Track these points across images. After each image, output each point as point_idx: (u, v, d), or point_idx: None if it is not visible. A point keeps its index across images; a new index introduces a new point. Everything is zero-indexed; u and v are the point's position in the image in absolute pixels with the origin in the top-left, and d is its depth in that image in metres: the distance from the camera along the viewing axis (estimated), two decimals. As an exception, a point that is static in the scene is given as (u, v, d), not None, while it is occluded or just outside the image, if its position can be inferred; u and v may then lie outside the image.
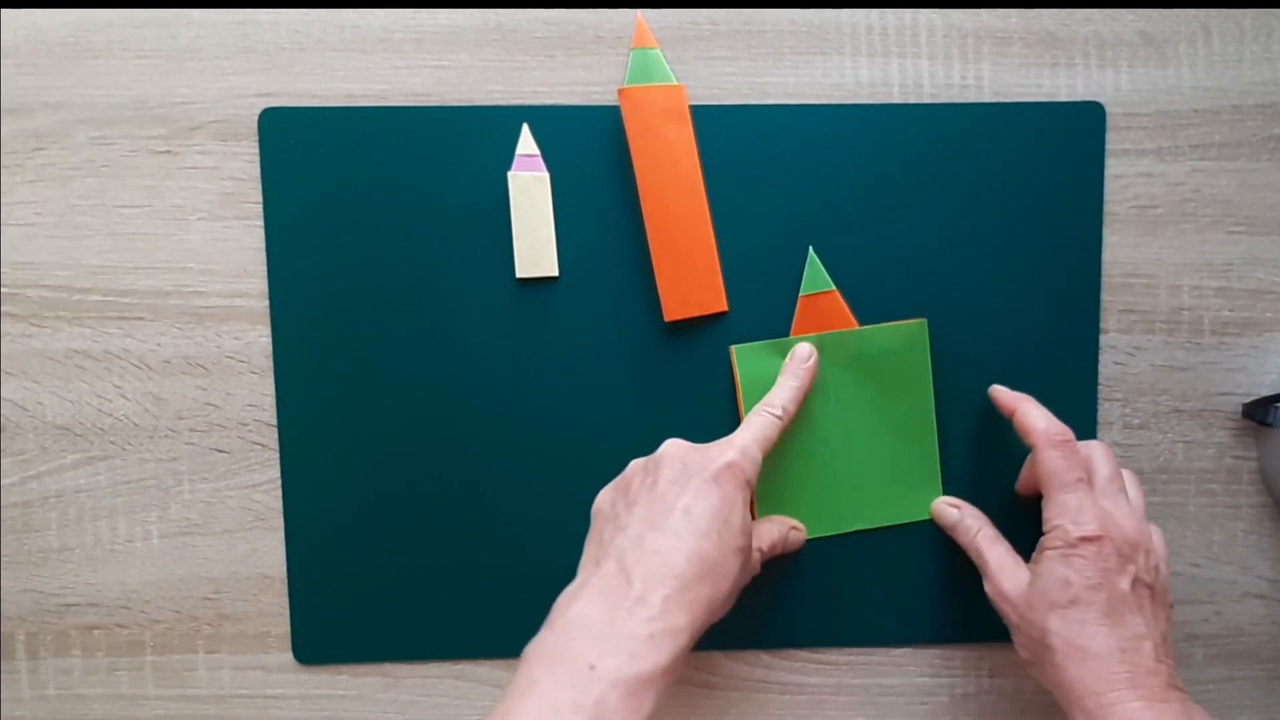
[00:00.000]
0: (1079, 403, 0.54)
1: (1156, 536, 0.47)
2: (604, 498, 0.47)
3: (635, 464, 0.48)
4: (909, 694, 0.55)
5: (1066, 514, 0.45)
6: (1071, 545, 0.45)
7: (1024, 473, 0.52)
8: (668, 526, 0.43)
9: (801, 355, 0.51)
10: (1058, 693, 0.45)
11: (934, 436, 0.53)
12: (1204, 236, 0.54)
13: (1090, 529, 0.45)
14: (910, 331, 0.52)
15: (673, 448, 0.47)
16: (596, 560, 0.44)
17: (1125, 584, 0.44)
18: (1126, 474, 0.49)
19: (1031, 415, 0.48)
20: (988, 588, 0.49)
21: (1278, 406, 0.51)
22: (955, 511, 0.52)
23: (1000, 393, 0.51)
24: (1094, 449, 0.48)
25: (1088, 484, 0.46)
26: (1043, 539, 0.46)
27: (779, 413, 0.49)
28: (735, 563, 0.44)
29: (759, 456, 0.47)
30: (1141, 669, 0.43)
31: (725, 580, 0.43)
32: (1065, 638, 0.44)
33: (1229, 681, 0.56)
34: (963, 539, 0.51)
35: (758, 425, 0.48)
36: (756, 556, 0.48)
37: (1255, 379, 0.54)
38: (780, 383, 0.51)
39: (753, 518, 0.50)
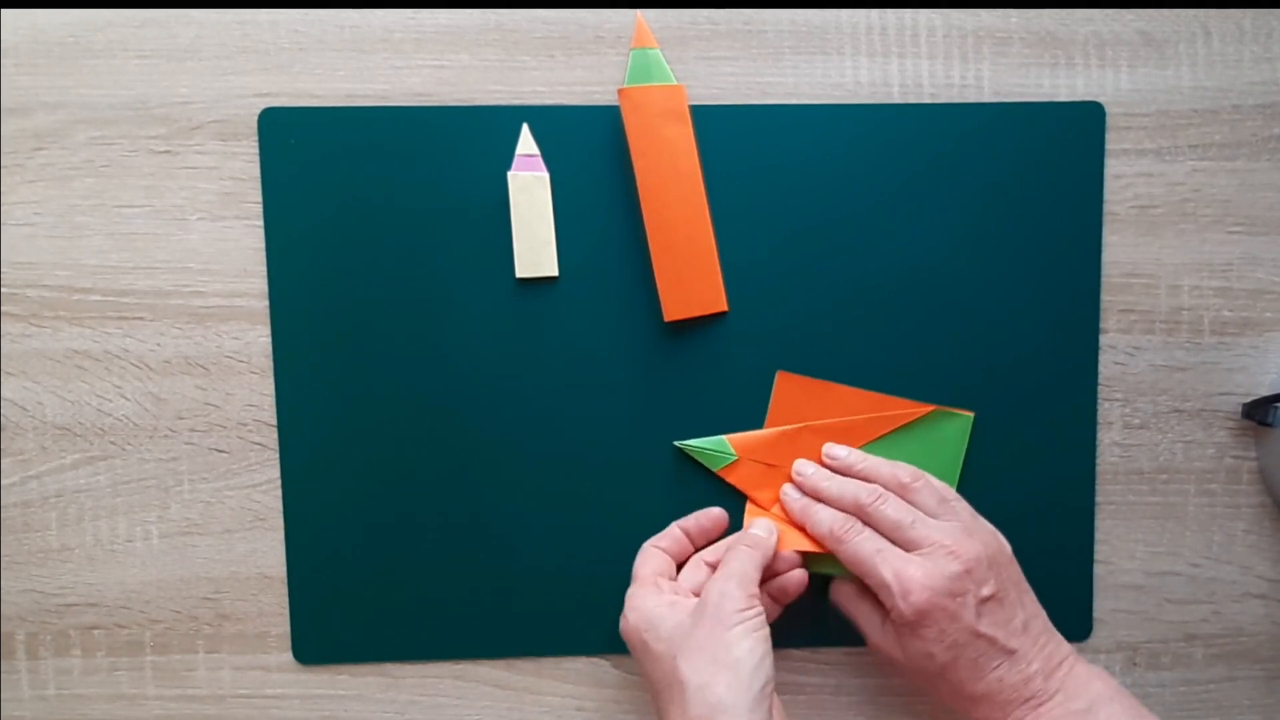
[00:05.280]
0: (1079, 403, 0.54)
1: (980, 535, 0.47)
2: (632, 636, 0.48)
3: (637, 621, 0.47)
4: (909, 694, 0.55)
5: (891, 594, 0.46)
6: (910, 622, 0.46)
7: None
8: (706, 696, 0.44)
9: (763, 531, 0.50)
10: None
11: None
12: (1204, 236, 0.54)
13: (918, 600, 0.45)
14: (955, 423, 0.53)
15: (676, 630, 0.45)
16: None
17: (971, 614, 0.45)
18: (917, 478, 0.50)
19: (818, 518, 0.50)
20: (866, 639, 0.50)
21: (1278, 406, 0.51)
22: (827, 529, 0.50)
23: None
24: (877, 499, 0.49)
25: (888, 546, 0.47)
26: (889, 613, 0.47)
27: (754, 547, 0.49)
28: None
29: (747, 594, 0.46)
30: (1021, 679, 0.46)
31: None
32: (952, 691, 0.47)
33: (1229, 681, 0.56)
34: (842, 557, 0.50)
35: (743, 562, 0.47)
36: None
37: (1255, 379, 0.54)
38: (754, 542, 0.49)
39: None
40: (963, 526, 0.48)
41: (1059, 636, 0.48)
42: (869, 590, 0.48)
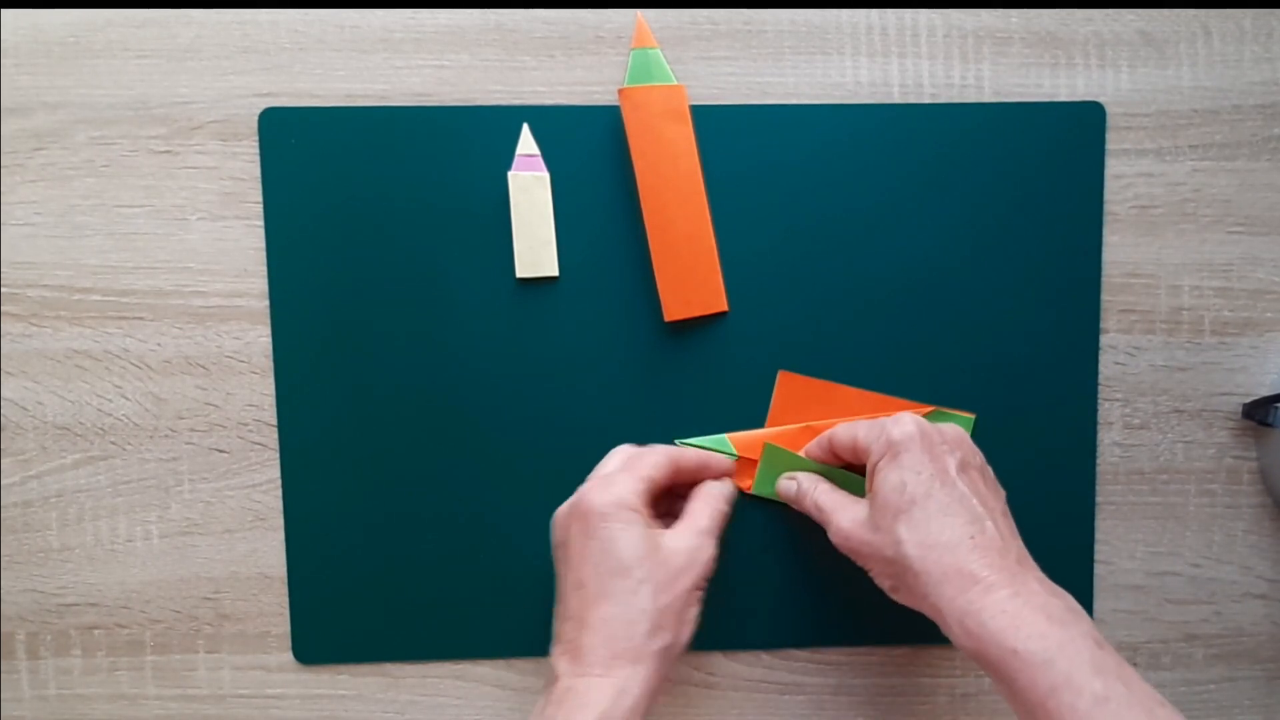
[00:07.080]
0: (1079, 403, 0.54)
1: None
2: (554, 531, 0.49)
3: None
4: (909, 694, 0.55)
5: (881, 428, 0.46)
6: (895, 444, 0.45)
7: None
8: (569, 613, 0.47)
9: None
10: (927, 608, 0.44)
11: None
12: (1204, 236, 0.54)
13: (907, 428, 0.46)
14: (956, 424, 0.52)
15: (564, 508, 0.48)
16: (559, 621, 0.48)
17: (954, 467, 0.45)
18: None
19: (837, 436, 0.50)
20: (832, 534, 0.47)
21: (1278, 406, 0.51)
22: (793, 483, 0.51)
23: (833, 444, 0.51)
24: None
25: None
26: (869, 462, 0.47)
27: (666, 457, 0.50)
28: (649, 602, 0.45)
29: (634, 484, 0.47)
30: (993, 550, 0.43)
31: (648, 622, 0.45)
32: (916, 540, 0.43)
33: (1229, 681, 0.56)
34: (804, 504, 0.50)
35: (650, 461, 0.49)
36: (708, 550, 0.47)
37: (1255, 379, 0.54)
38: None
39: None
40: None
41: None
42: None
